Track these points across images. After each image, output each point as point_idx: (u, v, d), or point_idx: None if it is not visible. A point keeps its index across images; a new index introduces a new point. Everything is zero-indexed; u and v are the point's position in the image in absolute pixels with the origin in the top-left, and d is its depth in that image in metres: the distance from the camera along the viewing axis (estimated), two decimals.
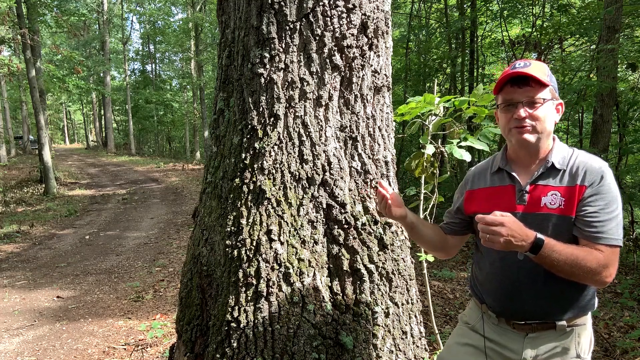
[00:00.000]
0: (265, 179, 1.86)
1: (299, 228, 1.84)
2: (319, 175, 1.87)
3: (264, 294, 1.78)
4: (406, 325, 2.00)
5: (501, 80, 1.45)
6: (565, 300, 1.44)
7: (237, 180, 1.92)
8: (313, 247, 1.84)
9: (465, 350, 1.60)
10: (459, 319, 1.73)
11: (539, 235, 1.30)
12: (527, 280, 1.44)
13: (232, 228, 1.88)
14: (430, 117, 2.74)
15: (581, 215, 1.36)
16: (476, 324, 1.61)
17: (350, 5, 1.85)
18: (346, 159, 1.94)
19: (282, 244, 1.82)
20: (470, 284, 1.69)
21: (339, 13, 1.84)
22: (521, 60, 1.47)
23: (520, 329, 1.50)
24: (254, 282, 1.79)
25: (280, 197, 1.85)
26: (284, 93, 1.86)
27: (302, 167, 1.86)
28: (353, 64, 1.90)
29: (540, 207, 1.42)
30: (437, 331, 3.07)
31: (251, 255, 1.82)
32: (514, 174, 1.50)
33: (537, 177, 1.44)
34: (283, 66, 1.85)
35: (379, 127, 2.04)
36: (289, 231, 1.83)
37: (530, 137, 1.42)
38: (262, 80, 1.87)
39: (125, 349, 3.72)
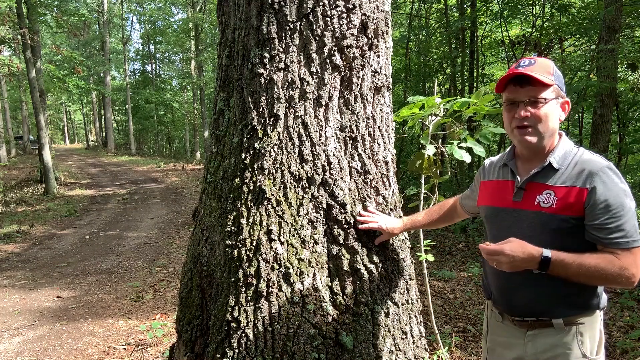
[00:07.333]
0: (265, 179, 1.86)
1: (299, 228, 1.84)
2: (319, 175, 1.87)
3: (264, 294, 1.78)
4: (406, 325, 2.00)
5: (504, 78, 1.45)
6: (560, 299, 1.43)
7: (237, 180, 1.92)
8: (313, 247, 1.85)
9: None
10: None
11: (545, 253, 1.31)
12: (521, 278, 1.44)
13: (232, 228, 1.88)
14: (430, 117, 2.74)
15: (591, 222, 1.35)
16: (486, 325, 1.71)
17: (350, 5, 1.85)
18: (346, 159, 1.94)
19: (282, 244, 1.82)
20: (482, 281, 1.73)
21: (339, 13, 1.84)
22: (526, 58, 1.47)
23: (520, 325, 1.51)
24: (254, 282, 1.79)
25: (280, 197, 1.85)
26: (284, 93, 1.86)
27: (302, 167, 1.86)
28: (353, 64, 1.90)
29: (534, 205, 1.43)
30: (437, 331, 3.07)
31: (251, 255, 1.82)
32: (514, 170, 1.53)
33: (533, 175, 1.46)
34: (283, 66, 1.85)
35: (379, 127, 2.04)
36: (289, 231, 1.83)
37: (531, 138, 1.43)
38: (262, 80, 1.87)
39: (125, 349, 3.72)
